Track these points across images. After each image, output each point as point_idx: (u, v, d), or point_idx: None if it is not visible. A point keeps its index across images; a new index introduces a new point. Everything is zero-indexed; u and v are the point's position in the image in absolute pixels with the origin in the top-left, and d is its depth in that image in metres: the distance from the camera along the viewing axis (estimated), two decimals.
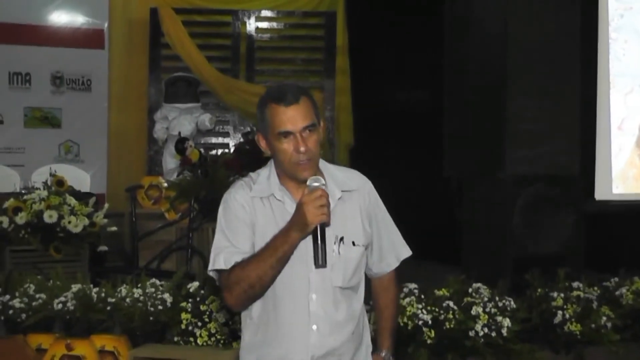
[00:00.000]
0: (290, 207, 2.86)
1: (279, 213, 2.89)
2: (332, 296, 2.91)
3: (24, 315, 5.37)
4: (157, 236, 7.54)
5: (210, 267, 2.91)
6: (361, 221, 2.99)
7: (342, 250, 2.92)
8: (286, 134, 2.84)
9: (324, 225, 2.77)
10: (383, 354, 3.15)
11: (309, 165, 2.86)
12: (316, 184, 2.79)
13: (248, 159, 8.43)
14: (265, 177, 2.97)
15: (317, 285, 2.89)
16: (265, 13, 10.01)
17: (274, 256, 2.76)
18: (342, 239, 2.93)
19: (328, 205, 2.76)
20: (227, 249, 2.86)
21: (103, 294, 5.40)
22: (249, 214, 2.90)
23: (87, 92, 9.73)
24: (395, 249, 3.17)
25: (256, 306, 2.91)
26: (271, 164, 3.00)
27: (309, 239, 2.81)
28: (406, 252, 3.22)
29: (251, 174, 3.03)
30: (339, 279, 2.92)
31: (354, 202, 2.99)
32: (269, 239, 2.80)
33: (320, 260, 2.78)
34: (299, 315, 2.88)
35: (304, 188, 2.82)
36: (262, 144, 2.96)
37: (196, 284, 5.50)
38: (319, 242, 2.77)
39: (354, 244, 2.96)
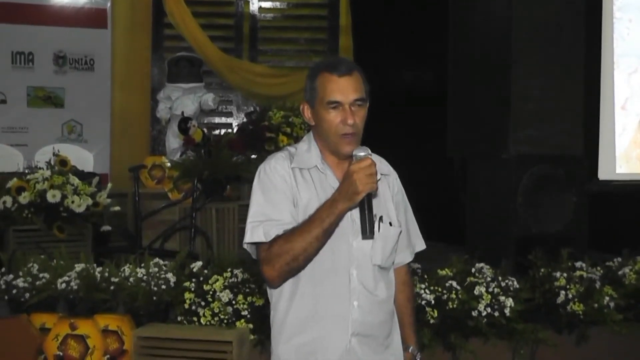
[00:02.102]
0: (332, 180, 2.84)
1: (321, 185, 2.86)
2: (371, 273, 2.89)
3: (27, 295, 5.38)
4: (160, 216, 7.55)
5: (247, 240, 2.84)
6: (392, 205, 2.99)
7: (382, 228, 2.90)
8: (335, 104, 2.81)
9: (372, 196, 2.73)
10: (411, 349, 3.13)
11: (353, 140, 2.83)
12: (363, 153, 2.74)
13: (251, 139, 8.45)
14: (305, 149, 2.93)
15: (358, 261, 2.86)
16: None
17: (319, 227, 2.69)
18: (381, 218, 2.90)
19: (376, 173, 2.70)
20: (266, 221, 2.79)
21: (106, 274, 5.41)
22: (290, 186, 2.84)
23: (90, 71, 9.71)
24: (414, 241, 3.17)
25: (292, 282, 2.84)
26: (310, 138, 2.97)
27: (352, 213, 2.78)
28: (421, 245, 3.20)
29: (288, 147, 2.99)
30: (378, 257, 2.89)
31: (386, 186, 2.99)
32: (311, 212, 2.75)
33: (368, 231, 2.73)
34: (340, 291, 2.84)
35: (344, 164, 2.81)
36: (307, 113, 2.92)
37: (199, 263, 5.50)
38: (367, 211, 2.72)
39: (390, 224, 2.94)
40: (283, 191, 2.83)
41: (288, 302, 2.87)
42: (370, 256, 2.88)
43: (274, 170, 2.86)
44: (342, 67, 2.83)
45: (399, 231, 2.97)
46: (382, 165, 3.01)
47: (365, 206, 2.72)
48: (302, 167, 2.88)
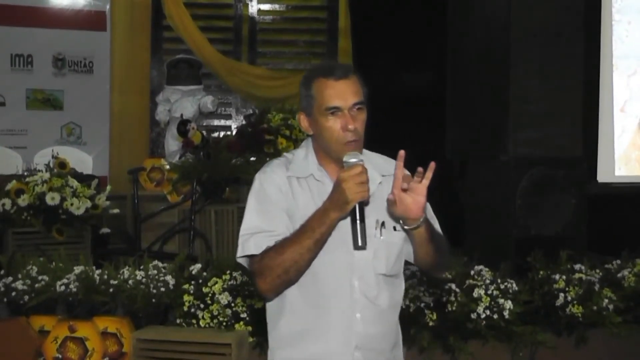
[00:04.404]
0: (331, 189, 2.67)
1: (319, 194, 2.73)
2: (375, 283, 2.78)
3: (26, 297, 5.37)
4: (159, 218, 7.55)
5: (239, 254, 2.76)
6: None
7: (384, 235, 2.79)
8: (334, 110, 2.71)
9: (364, 204, 2.62)
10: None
11: (355, 146, 2.72)
12: (354, 160, 2.63)
13: (250, 141, 8.46)
14: (302, 156, 2.83)
15: (360, 272, 2.75)
16: None
17: (311, 238, 2.61)
18: (383, 223, 2.79)
19: (367, 181, 2.60)
20: (258, 233, 2.71)
21: (105, 276, 5.41)
22: (285, 196, 2.75)
23: (89, 74, 9.70)
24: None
25: (293, 294, 2.75)
26: (308, 144, 2.87)
27: (349, 222, 2.65)
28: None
29: (285, 154, 2.89)
30: (382, 266, 2.79)
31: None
32: None
33: (360, 242, 2.62)
34: (341, 303, 2.74)
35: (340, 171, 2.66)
36: (305, 123, 2.82)
37: (198, 266, 5.50)
38: (358, 221, 2.61)
39: (395, 229, 2.80)
40: (277, 201, 2.74)
41: (288, 316, 2.78)
42: (373, 266, 2.78)
43: (269, 181, 2.78)
44: (339, 70, 2.74)
45: (404, 235, 2.82)
46: (388, 166, 2.86)
47: (357, 216, 2.62)
48: (299, 176, 2.79)
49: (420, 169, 2.66)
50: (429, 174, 2.66)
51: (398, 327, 2.94)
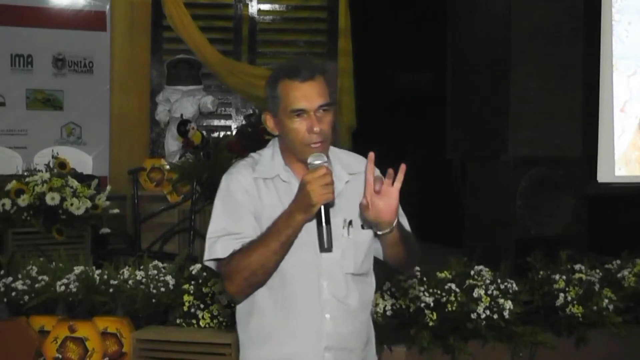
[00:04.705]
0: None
1: (285, 195, 2.71)
2: (344, 283, 2.75)
3: (26, 297, 5.37)
4: (159, 218, 7.55)
5: (206, 257, 2.74)
6: None
7: (352, 234, 2.76)
8: (300, 112, 2.67)
9: (329, 206, 2.61)
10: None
11: (321, 148, 2.68)
12: (318, 162, 2.62)
13: (250, 141, 8.44)
14: (269, 157, 2.81)
15: (328, 272, 2.73)
16: None
17: (277, 241, 2.60)
18: (350, 222, 2.76)
19: (332, 183, 2.58)
20: (225, 235, 2.70)
21: (105, 276, 5.41)
22: (252, 198, 2.72)
23: (89, 74, 9.71)
24: None
25: (261, 296, 2.72)
26: (274, 144, 2.84)
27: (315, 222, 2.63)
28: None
29: (252, 154, 2.86)
30: (350, 265, 2.77)
31: (361, 185, 2.69)
32: None
33: (325, 244, 2.61)
34: (310, 304, 2.72)
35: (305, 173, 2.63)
36: (270, 123, 2.78)
37: (198, 266, 5.50)
38: (324, 224, 2.60)
39: (363, 227, 2.77)
40: (243, 203, 2.72)
41: (258, 317, 2.76)
42: (341, 265, 2.75)
43: (235, 183, 2.75)
44: (304, 72, 2.69)
45: (372, 233, 2.76)
46: (356, 164, 2.85)
47: (322, 218, 2.60)
48: (265, 177, 2.76)
49: (390, 171, 2.64)
50: (400, 176, 2.64)
51: (370, 325, 2.92)
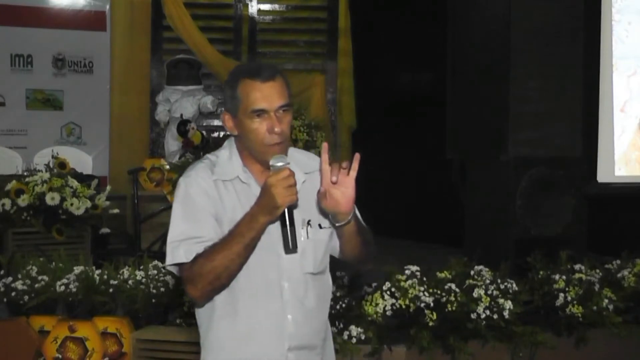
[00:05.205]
0: (257, 190, 2.66)
1: (245, 197, 2.70)
2: (303, 283, 2.76)
3: (26, 297, 5.38)
4: (159, 218, 7.53)
5: (169, 262, 2.72)
6: None
7: (310, 234, 2.77)
8: (260, 112, 2.67)
9: (292, 207, 2.62)
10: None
11: (281, 148, 2.69)
12: (280, 164, 2.61)
13: None
14: (226, 159, 2.79)
15: (289, 273, 2.74)
16: None
17: (240, 243, 2.59)
18: (309, 222, 2.78)
19: (295, 184, 2.59)
20: (186, 240, 2.68)
21: (105, 276, 5.42)
22: (213, 201, 2.71)
23: (89, 74, 9.71)
24: None
25: (223, 299, 2.72)
26: (231, 145, 2.84)
27: (277, 224, 2.64)
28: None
29: (208, 156, 2.84)
30: (310, 265, 2.77)
31: (317, 183, 2.72)
32: None
33: (291, 245, 2.63)
34: (272, 305, 2.72)
35: (268, 173, 2.63)
36: (229, 123, 2.77)
37: None
38: (288, 225, 2.61)
39: (320, 226, 2.79)
40: (204, 206, 2.70)
41: (220, 320, 2.76)
42: (301, 265, 2.76)
43: (194, 185, 2.73)
44: (265, 72, 2.70)
45: (330, 232, 2.80)
46: (311, 162, 2.86)
47: (287, 220, 2.61)
48: (224, 179, 2.75)
49: (345, 163, 2.63)
50: (355, 165, 2.62)
51: (327, 323, 2.94)
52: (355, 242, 2.82)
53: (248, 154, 2.77)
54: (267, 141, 2.69)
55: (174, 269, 2.75)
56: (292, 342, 2.74)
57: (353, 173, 2.63)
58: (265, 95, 2.68)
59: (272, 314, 2.73)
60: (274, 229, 2.67)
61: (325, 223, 2.79)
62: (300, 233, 2.74)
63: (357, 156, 2.63)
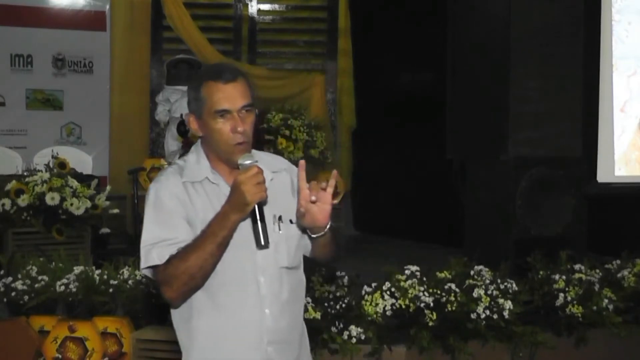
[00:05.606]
0: (226, 190, 2.73)
1: (215, 197, 2.77)
2: (278, 277, 2.82)
3: (26, 297, 5.38)
4: None
5: (143, 265, 2.79)
6: (295, 200, 2.83)
7: (282, 228, 2.84)
8: (224, 112, 2.74)
9: (262, 204, 2.68)
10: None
11: (244, 147, 2.76)
12: (249, 162, 2.69)
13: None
14: (194, 162, 2.85)
15: (264, 267, 2.79)
16: None
17: (213, 243, 2.64)
18: (280, 217, 2.85)
19: (264, 181, 2.66)
20: (159, 242, 2.73)
21: (105, 276, 5.42)
22: (183, 204, 2.76)
23: (89, 74, 9.72)
24: None
25: (199, 299, 2.78)
26: (198, 148, 2.89)
27: (249, 221, 2.70)
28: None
29: (177, 161, 2.91)
30: (284, 259, 2.84)
31: (284, 182, 2.90)
32: None
33: (262, 241, 2.68)
34: (250, 301, 2.77)
35: (236, 173, 2.70)
36: (194, 125, 2.83)
37: None
38: (259, 221, 2.68)
39: (291, 221, 2.86)
40: (175, 209, 2.76)
41: (197, 320, 2.82)
42: (275, 260, 2.82)
43: (164, 189, 2.78)
44: (227, 73, 2.77)
45: (301, 228, 2.86)
46: (276, 162, 2.96)
47: (257, 216, 2.68)
48: (193, 181, 2.80)
49: (324, 184, 2.72)
50: (332, 182, 2.72)
51: (302, 319, 3.00)
52: (327, 249, 2.92)
53: (215, 155, 2.83)
54: (231, 140, 2.75)
55: (148, 273, 2.80)
56: (270, 336, 2.80)
57: (330, 189, 2.71)
58: (228, 95, 2.76)
59: (250, 309, 2.78)
60: (247, 226, 2.72)
61: (295, 219, 2.84)
62: (273, 228, 2.81)
63: (334, 173, 2.73)
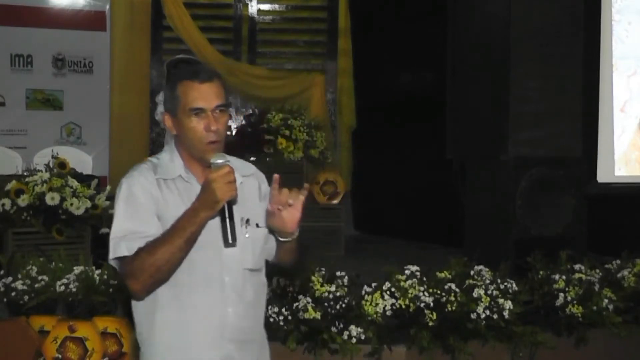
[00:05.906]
0: (198, 188, 2.78)
1: (187, 194, 2.82)
2: (242, 278, 2.88)
3: (26, 297, 5.37)
4: None
5: (111, 256, 2.84)
6: (262, 204, 2.92)
7: (249, 231, 2.90)
8: (198, 111, 2.80)
9: (232, 203, 2.74)
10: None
11: (217, 146, 2.83)
12: (221, 161, 2.75)
13: (250, 141, 8.45)
14: (168, 160, 2.92)
15: (229, 268, 2.85)
16: None
17: (182, 237, 2.69)
18: (247, 220, 2.91)
19: (235, 180, 2.72)
20: (128, 235, 2.78)
21: (105, 276, 5.41)
22: (155, 199, 2.82)
23: (89, 74, 9.72)
24: None
25: (163, 293, 2.81)
26: (171, 147, 2.95)
27: (217, 221, 2.77)
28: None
29: (150, 158, 2.97)
30: (249, 260, 2.90)
31: (253, 186, 2.99)
32: None
33: (230, 238, 2.75)
34: (213, 298, 2.83)
35: (208, 172, 2.75)
36: (169, 122, 2.91)
37: None
38: (228, 219, 2.74)
39: (257, 225, 2.93)
40: (146, 204, 2.81)
41: (161, 314, 2.85)
42: (240, 261, 2.88)
43: (137, 184, 2.84)
44: (203, 73, 2.85)
45: (266, 232, 2.94)
46: (245, 167, 3.02)
47: (226, 214, 2.74)
48: (166, 178, 2.86)
49: (302, 191, 2.79)
50: (305, 191, 2.78)
51: (263, 323, 3.06)
52: (291, 255, 3.01)
53: (188, 154, 2.90)
54: (204, 139, 2.82)
55: (115, 264, 2.86)
56: (232, 334, 2.86)
57: (302, 197, 2.77)
58: (203, 95, 2.82)
59: (213, 307, 2.84)
60: (215, 226, 2.78)
61: (262, 223, 2.93)
62: (240, 230, 2.86)
63: (306, 186, 2.81)
